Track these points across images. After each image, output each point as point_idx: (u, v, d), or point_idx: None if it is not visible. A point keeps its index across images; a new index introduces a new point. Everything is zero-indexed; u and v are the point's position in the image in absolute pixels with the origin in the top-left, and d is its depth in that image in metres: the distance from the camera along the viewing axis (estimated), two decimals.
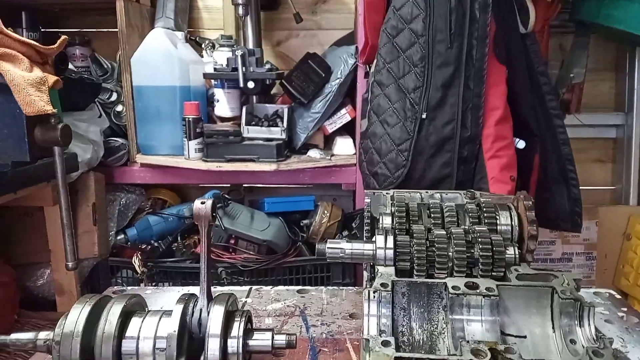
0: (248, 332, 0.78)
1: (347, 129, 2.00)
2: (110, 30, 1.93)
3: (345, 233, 1.86)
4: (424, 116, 1.41)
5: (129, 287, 1.20)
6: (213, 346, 0.72)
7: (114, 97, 1.91)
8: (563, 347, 0.73)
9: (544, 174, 1.65)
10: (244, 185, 2.19)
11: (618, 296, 1.13)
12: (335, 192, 2.11)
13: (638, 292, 2.09)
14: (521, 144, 1.61)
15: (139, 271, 1.63)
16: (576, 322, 0.73)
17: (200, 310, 0.77)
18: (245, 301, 1.11)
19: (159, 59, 1.78)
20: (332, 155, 1.91)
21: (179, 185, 2.12)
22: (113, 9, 1.83)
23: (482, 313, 0.74)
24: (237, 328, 0.76)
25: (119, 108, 1.89)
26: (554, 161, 1.64)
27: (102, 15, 2.21)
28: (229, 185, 2.12)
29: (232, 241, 1.74)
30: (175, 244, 1.80)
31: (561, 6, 1.98)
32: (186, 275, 1.72)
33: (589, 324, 0.72)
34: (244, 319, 0.78)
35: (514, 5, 1.55)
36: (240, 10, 1.84)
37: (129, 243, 1.84)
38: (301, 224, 1.91)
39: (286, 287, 1.17)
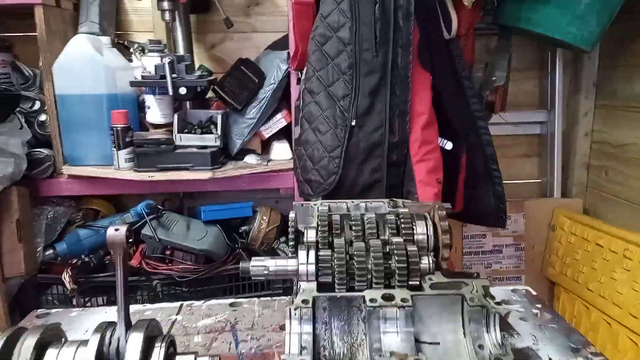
0: (170, 357, 0.77)
1: (285, 133, 2.00)
2: (32, 34, 1.83)
3: (283, 238, 1.87)
4: (353, 123, 1.44)
5: (54, 310, 1.15)
6: None
7: (37, 105, 1.83)
8: (472, 352, 0.77)
9: (471, 173, 1.72)
10: (182, 192, 2.15)
11: (534, 293, 1.20)
12: (277, 195, 2.12)
13: (564, 280, 2.23)
14: (449, 145, 1.67)
15: (69, 287, 1.57)
16: (484, 328, 0.78)
17: (118, 339, 0.76)
18: (176, 319, 1.10)
19: (82, 67, 1.71)
20: (270, 160, 1.91)
21: (111, 195, 2.06)
22: (33, 13, 1.74)
23: (397, 324, 0.77)
24: (157, 355, 0.75)
25: (43, 117, 1.81)
26: (479, 161, 1.71)
27: (22, 20, 2.09)
28: (165, 193, 2.07)
29: (168, 252, 1.71)
30: (108, 258, 1.75)
31: (485, 10, 2.07)
32: None
33: (495, 330, 0.77)
34: (164, 344, 0.77)
35: (438, 13, 1.60)
36: (167, 16, 1.79)
37: (58, 258, 1.77)
38: (240, 231, 1.90)
39: (218, 301, 1.17)
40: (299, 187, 1.59)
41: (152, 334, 0.79)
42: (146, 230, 1.70)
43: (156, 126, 1.84)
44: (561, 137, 2.38)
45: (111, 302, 1.69)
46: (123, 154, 1.70)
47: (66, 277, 1.61)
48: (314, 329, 0.78)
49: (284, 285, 1.87)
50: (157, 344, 0.76)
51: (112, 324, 0.78)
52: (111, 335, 0.76)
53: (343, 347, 0.79)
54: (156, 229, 1.68)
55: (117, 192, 1.89)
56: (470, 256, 2.34)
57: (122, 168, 1.71)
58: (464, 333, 0.80)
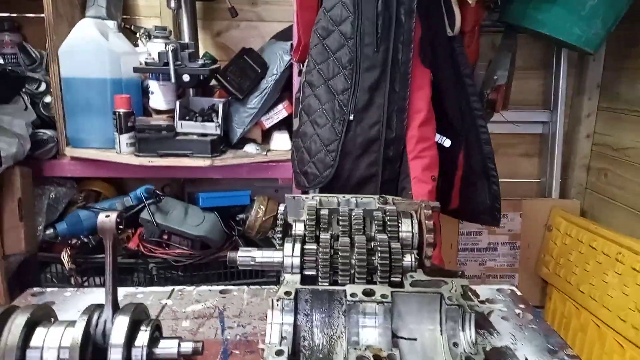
0: (155, 341, 0.80)
1: (286, 124, 2.01)
2: (41, 15, 1.84)
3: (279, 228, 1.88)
4: (351, 118, 1.45)
5: (49, 289, 1.18)
6: (115, 356, 0.75)
7: (43, 87, 1.85)
8: (447, 349, 0.79)
9: (468, 171, 1.73)
10: (183, 178, 2.17)
11: (519, 293, 1.21)
12: (276, 184, 2.14)
13: (557, 280, 2.25)
14: (447, 143, 1.68)
15: (67, 267, 1.61)
16: (459, 327, 0.80)
17: (105, 321, 0.78)
18: (166, 303, 1.13)
19: (88, 50, 1.73)
20: (269, 150, 1.93)
21: (113, 178, 2.09)
22: None
23: (376, 318, 0.80)
24: (142, 337, 0.78)
25: (48, 99, 1.83)
26: (477, 159, 1.72)
27: (32, 0, 2.11)
28: (165, 178, 2.10)
29: (166, 236, 1.74)
30: None
31: (492, 7, 2.06)
32: (120, 271, 1.71)
33: (470, 329, 0.79)
34: (150, 328, 0.80)
35: (442, 9, 1.60)
36: (172, 3, 1.80)
37: (58, 238, 1.81)
38: (237, 219, 1.92)
39: (209, 288, 1.20)
40: (295, 179, 1.61)
41: (138, 317, 0.82)
42: (145, 215, 1.73)
43: (159, 112, 1.86)
44: (562, 138, 2.37)
45: None
46: (125, 139, 1.72)
47: (65, 256, 1.65)
48: (295, 320, 0.80)
49: (278, 273, 1.90)
50: (143, 328, 0.79)
51: (100, 307, 0.81)
52: (98, 318, 0.79)
53: (323, 338, 0.82)
54: (154, 214, 1.71)
55: (118, 175, 1.92)
56: (466, 253, 2.36)
57: (123, 152, 1.74)
58: (441, 330, 0.82)
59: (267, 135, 2.03)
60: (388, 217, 0.94)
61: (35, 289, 1.18)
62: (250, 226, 1.90)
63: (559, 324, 2.21)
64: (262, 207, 1.91)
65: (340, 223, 0.96)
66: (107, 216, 0.79)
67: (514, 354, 0.92)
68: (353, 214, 0.98)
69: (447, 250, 2.28)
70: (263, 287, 1.21)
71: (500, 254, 2.35)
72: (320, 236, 0.91)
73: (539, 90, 2.42)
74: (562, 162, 2.40)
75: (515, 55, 2.06)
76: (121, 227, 0.82)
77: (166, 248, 1.75)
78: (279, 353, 0.71)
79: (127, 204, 1.76)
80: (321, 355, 0.80)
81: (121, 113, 1.71)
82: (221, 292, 1.18)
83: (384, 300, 0.80)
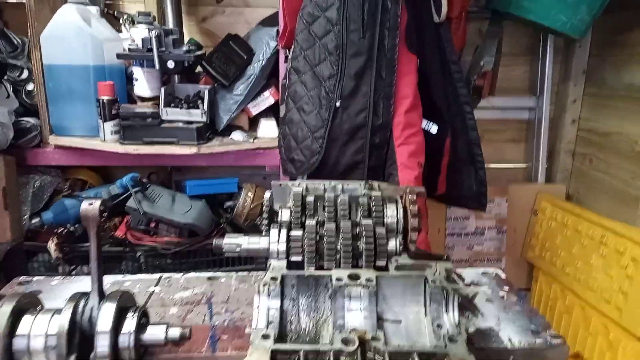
0: (142, 327, 0.80)
1: (273, 111, 2.01)
2: (22, 1, 1.81)
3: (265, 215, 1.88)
4: (337, 104, 1.46)
5: (35, 278, 1.18)
6: (102, 342, 0.75)
7: (25, 74, 1.82)
8: (431, 331, 0.81)
9: (454, 156, 1.74)
10: (170, 166, 2.16)
11: (503, 276, 1.23)
12: (263, 172, 2.14)
13: (542, 263, 2.29)
14: (434, 129, 1.69)
15: (53, 256, 1.60)
16: (443, 309, 0.81)
17: (92, 308, 0.79)
18: (154, 290, 1.13)
19: (70, 37, 1.70)
20: (256, 137, 1.92)
21: (99, 166, 2.07)
22: None
23: (361, 302, 0.81)
24: (129, 324, 0.78)
25: (30, 87, 1.81)
26: (463, 145, 1.73)
27: None
28: (152, 167, 2.09)
29: (153, 224, 1.73)
30: None
31: None
32: (104, 260, 1.69)
33: (453, 311, 0.80)
34: (137, 314, 0.80)
35: None
36: None
37: (44, 227, 1.79)
38: (225, 206, 1.92)
39: (197, 275, 1.20)
40: (282, 166, 1.61)
41: (125, 304, 0.82)
42: (131, 203, 1.73)
43: (144, 99, 1.85)
44: (548, 124, 2.40)
45: None
46: (109, 126, 1.71)
47: (52, 245, 1.64)
48: (282, 304, 0.81)
49: (267, 260, 1.90)
50: (130, 315, 0.80)
51: (86, 295, 0.81)
52: (85, 305, 0.79)
53: (309, 322, 0.83)
54: (141, 202, 1.70)
55: (103, 163, 1.90)
56: (453, 237, 2.39)
57: (107, 140, 1.72)
58: (425, 313, 0.83)
59: (253, 122, 2.02)
60: (373, 203, 0.95)
61: (21, 277, 1.18)
62: (238, 213, 1.90)
63: (544, 306, 2.25)
64: (250, 194, 1.91)
65: (326, 209, 0.96)
66: (90, 204, 0.79)
67: (498, 335, 0.94)
68: (339, 200, 0.98)
69: (435, 235, 2.30)
70: (251, 273, 1.22)
71: (487, 238, 2.38)
72: (306, 222, 0.91)
73: (525, 76, 2.44)
74: (548, 147, 2.42)
75: (501, 42, 2.06)
76: (105, 214, 0.81)
77: (154, 236, 1.74)
78: (266, 337, 0.72)
79: (113, 192, 1.75)
80: (308, 339, 0.81)
81: (105, 100, 1.69)
82: (209, 279, 1.18)
83: (369, 283, 0.81)
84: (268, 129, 1.93)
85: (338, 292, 0.80)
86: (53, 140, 1.81)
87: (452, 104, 1.71)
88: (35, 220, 1.81)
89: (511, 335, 0.93)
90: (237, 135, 1.87)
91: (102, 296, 0.80)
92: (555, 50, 2.32)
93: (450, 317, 0.80)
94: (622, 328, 1.78)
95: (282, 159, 1.59)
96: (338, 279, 0.81)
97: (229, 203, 1.93)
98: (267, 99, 1.91)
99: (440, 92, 1.67)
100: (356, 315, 0.80)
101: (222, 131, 1.90)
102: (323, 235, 0.88)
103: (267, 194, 1.01)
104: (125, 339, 0.77)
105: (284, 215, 0.96)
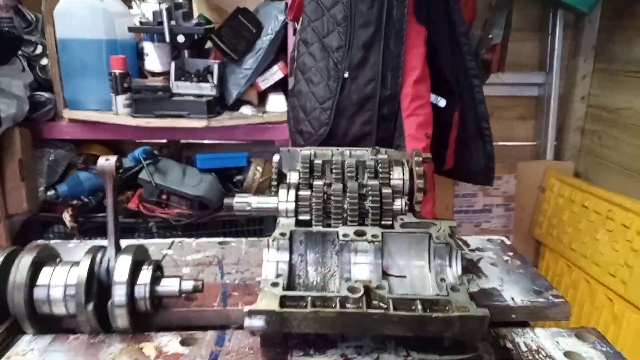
0: (156, 279, 0.83)
1: (282, 86, 2.02)
2: None
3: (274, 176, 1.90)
4: (346, 75, 1.46)
5: (53, 241, 1.22)
6: (119, 292, 0.78)
7: (39, 50, 1.85)
8: (435, 285, 0.83)
9: (462, 131, 1.74)
10: (181, 141, 2.19)
11: (508, 242, 1.25)
12: (272, 149, 2.15)
13: (549, 240, 2.30)
14: (442, 102, 1.69)
15: (69, 226, 1.64)
16: (447, 263, 0.83)
17: (109, 260, 0.82)
18: (167, 253, 1.16)
19: (82, 11, 1.73)
20: (265, 112, 1.94)
21: (111, 141, 2.11)
22: None
23: (367, 256, 0.83)
24: (145, 276, 0.82)
25: (44, 62, 1.84)
26: (472, 119, 1.72)
27: None
28: (164, 141, 2.12)
29: (164, 196, 1.77)
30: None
31: None
32: (120, 231, 1.73)
33: (456, 265, 0.83)
34: (151, 267, 0.84)
35: None
36: None
37: (60, 199, 1.84)
38: (235, 180, 1.95)
39: (208, 240, 1.23)
40: (291, 138, 1.63)
41: (140, 258, 0.85)
42: (143, 175, 1.76)
43: (154, 74, 1.87)
44: (558, 100, 2.38)
45: None
46: (121, 100, 1.73)
47: (67, 216, 1.68)
48: (290, 259, 0.84)
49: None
50: (145, 267, 0.83)
51: (102, 248, 0.84)
52: (102, 257, 0.82)
53: (317, 276, 0.86)
54: (153, 174, 1.74)
55: (116, 137, 1.93)
56: (461, 215, 2.40)
57: (120, 113, 1.75)
58: (430, 268, 0.86)
59: (262, 97, 2.03)
60: (380, 165, 0.97)
61: (39, 241, 1.22)
62: (247, 187, 1.93)
63: (550, 282, 2.27)
64: (259, 168, 1.94)
65: (334, 171, 0.99)
66: (106, 159, 0.82)
67: (501, 294, 0.96)
68: (346, 162, 1.01)
69: (443, 212, 2.32)
70: (260, 238, 1.25)
71: (494, 215, 2.39)
72: (314, 183, 0.94)
73: (535, 52, 2.42)
74: (557, 124, 2.41)
75: (511, 15, 2.05)
76: (120, 170, 0.84)
77: (165, 208, 1.78)
78: (275, 285, 0.75)
79: (125, 165, 1.78)
80: (315, 291, 0.84)
81: (117, 74, 1.71)
82: (220, 243, 1.21)
83: (374, 239, 0.83)
84: (277, 104, 1.95)
85: (345, 247, 0.83)
86: (67, 114, 1.84)
87: (460, 77, 1.70)
88: (51, 192, 1.85)
89: (514, 294, 0.95)
90: (246, 110, 1.89)
91: (119, 249, 0.84)
92: (564, 25, 2.30)
93: (453, 271, 0.83)
94: (626, 301, 1.79)
95: (290, 130, 1.61)
96: (345, 235, 0.84)
97: (238, 177, 1.96)
98: (276, 73, 1.92)
99: (448, 64, 1.66)
100: (362, 268, 0.83)
101: (232, 106, 1.92)
102: (330, 195, 0.91)
103: (275, 157, 1.03)
104: (141, 289, 0.80)
105: (293, 177, 0.99)
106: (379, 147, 1.08)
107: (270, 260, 0.83)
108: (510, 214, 2.41)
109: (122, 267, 0.80)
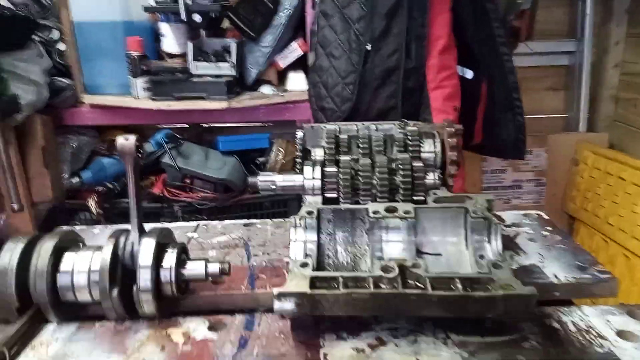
0: (182, 263, 0.81)
1: (301, 65, 1.97)
2: None
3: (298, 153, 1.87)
4: (368, 47, 1.40)
5: (78, 227, 1.21)
6: (145, 276, 0.75)
7: (56, 35, 1.84)
8: (474, 262, 0.78)
9: (491, 103, 1.66)
10: (202, 125, 2.16)
11: (546, 217, 1.19)
12: (293, 129, 2.10)
13: (584, 215, 2.21)
14: (469, 74, 1.61)
15: (94, 212, 1.64)
16: (485, 239, 0.78)
17: (132, 243, 0.79)
18: (192, 236, 1.14)
19: None
20: (285, 91, 1.89)
21: (133, 127, 2.09)
22: None
23: (399, 233, 0.79)
24: (170, 259, 0.79)
25: (62, 47, 1.82)
26: (501, 90, 1.64)
27: None
28: (185, 125, 2.09)
29: (188, 181, 1.75)
30: None
31: None
32: (145, 215, 1.73)
33: (496, 240, 0.78)
34: (176, 249, 0.81)
35: None
36: None
37: (84, 185, 1.84)
38: (257, 162, 1.92)
39: (233, 222, 1.21)
40: (313, 116, 1.58)
41: (165, 241, 0.82)
42: (167, 159, 1.74)
43: (171, 56, 1.84)
44: (589, 69, 2.27)
45: None
46: (140, 83, 1.71)
47: (92, 202, 1.68)
48: (319, 239, 0.80)
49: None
50: (169, 250, 0.80)
51: (126, 231, 0.82)
52: (125, 241, 0.80)
53: (347, 256, 0.82)
54: (176, 158, 1.72)
55: (136, 121, 1.92)
56: (489, 191, 2.33)
57: (140, 97, 1.73)
58: (466, 245, 0.81)
59: (282, 77, 1.99)
60: (410, 137, 0.92)
61: (63, 227, 1.21)
62: (270, 168, 1.90)
63: None
64: (281, 149, 1.90)
65: (360, 145, 0.94)
66: (126, 139, 0.79)
67: (542, 271, 0.91)
68: (373, 136, 0.96)
69: (471, 189, 2.25)
70: (286, 219, 1.21)
71: (525, 191, 2.31)
72: (341, 158, 0.89)
73: (565, 18, 2.30)
74: (589, 94, 2.31)
75: None
76: (141, 150, 0.81)
77: (189, 192, 1.76)
78: (304, 265, 0.71)
79: (148, 150, 1.77)
80: (345, 271, 0.80)
81: (135, 56, 1.69)
82: (245, 225, 1.18)
83: (407, 215, 0.79)
84: (297, 82, 1.90)
85: (375, 224, 0.79)
86: (87, 99, 1.83)
87: (487, 45, 1.62)
88: (75, 179, 1.85)
89: (556, 271, 0.90)
90: (266, 89, 1.85)
91: (142, 231, 0.81)
92: None
93: (493, 247, 0.78)
94: None
95: (312, 108, 1.56)
96: (375, 212, 0.79)
97: (260, 159, 1.93)
98: (295, 50, 1.87)
99: (474, 33, 1.57)
100: (394, 247, 0.79)
101: (251, 86, 1.88)
102: (358, 171, 0.86)
103: (299, 133, 0.99)
104: (167, 273, 0.77)
105: (318, 153, 0.94)
106: (407, 121, 1.03)
107: (298, 240, 0.79)
108: (541, 190, 2.33)
109: (146, 251, 0.77)
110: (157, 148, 1.79)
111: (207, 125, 2.15)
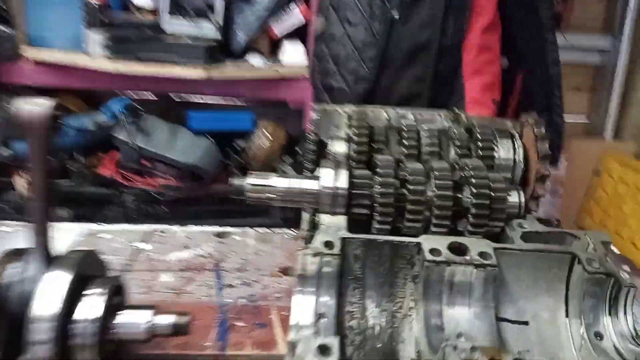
0: (112, 312, 0.49)
1: (300, 36, 1.68)
2: None
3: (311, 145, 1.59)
4: (396, 15, 1.14)
5: None
6: (39, 335, 0.44)
7: None
8: (582, 341, 0.49)
9: (526, 97, 1.44)
10: (172, 96, 1.84)
11: (616, 251, 0.91)
12: (284, 111, 1.81)
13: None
14: (503, 62, 1.37)
15: (22, 194, 1.31)
16: (605, 309, 0.49)
17: (31, 276, 0.47)
18: (142, 248, 0.82)
19: None
20: (279, 64, 1.59)
21: (86, 91, 1.77)
22: None
23: (470, 291, 0.49)
24: (90, 305, 0.48)
25: None
26: (539, 83, 1.42)
27: None
28: (152, 96, 1.76)
29: (147, 163, 1.44)
30: (74, 163, 1.46)
31: None
32: (87, 202, 1.41)
33: (625, 314, 0.48)
34: (105, 290, 0.49)
35: None
36: None
37: (17, 160, 1.49)
38: (236, 147, 1.63)
39: (202, 229, 0.91)
40: (315, 96, 1.33)
41: (88, 272, 0.51)
42: (122, 135, 1.43)
43: (141, 9, 1.51)
44: (625, 69, 2.06)
45: (77, 217, 1.42)
46: (97, 37, 1.41)
47: (20, 181, 1.34)
48: (340, 288, 0.50)
49: (283, 216, 1.58)
50: (93, 289, 0.49)
51: (23, 252, 0.49)
52: (22, 272, 0.48)
53: (381, 316, 0.52)
54: (134, 135, 1.41)
55: (91, 86, 1.62)
56: None
57: (94, 54, 1.41)
58: (567, 312, 0.52)
59: (275, 47, 1.68)
60: (479, 137, 0.62)
61: None
62: (252, 155, 1.62)
63: None
64: (267, 133, 1.60)
65: (405, 142, 0.64)
66: (35, 104, 0.46)
67: None
68: (422, 129, 0.65)
69: None
70: (275, 230, 0.91)
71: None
72: (378, 158, 0.59)
73: (602, 12, 2.09)
74: (620, 98, 2.09)
75: None
76: (59, 126, 0.49)
77: (147, 177, 1.47)
78: (325, 351, 0.40)
79: (99, 120, 1.46)
80: (379, 344, 0.51)
81: (94, 3, 1.36)
82: (218, 235, 0.90)
83: (485, 262, 0.50)
84: (293, 54, 1.62)
85: (432, 272, 0.49)
86: (30, 53, 1.54)
87: (530, 30, 1.37)
88: (5, 150, 1.49)
89: None
90: (255, 60, 1.57)
91: (48, 258, 0.49)
92: None
93: (621, 323, 0.49)
94: None
95: (315, 86, 1.31)
96: (433, 251, 0.49)
97: (241, 143, 1.63)
98: (295, 15, 1.57)
99: (515, 12, 1.33)
100: (462, 311, 0.49)
101: (238, 55, 1.59)
102: (404, 179, 0.56)
103: (313, 115, 0.68)
104: (83, 330, 0.47)
105: (339, 148, 0.64)
106: (459, 110, 0.74)
107: (306, 292, 0.48)
108: (556, 200, 2.10)
109: (48, 291, 0.46)
110: (111, 119, 1.47)
111: (178, 98, 1.84)
